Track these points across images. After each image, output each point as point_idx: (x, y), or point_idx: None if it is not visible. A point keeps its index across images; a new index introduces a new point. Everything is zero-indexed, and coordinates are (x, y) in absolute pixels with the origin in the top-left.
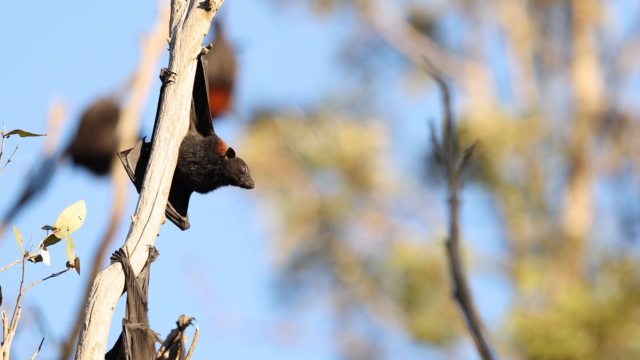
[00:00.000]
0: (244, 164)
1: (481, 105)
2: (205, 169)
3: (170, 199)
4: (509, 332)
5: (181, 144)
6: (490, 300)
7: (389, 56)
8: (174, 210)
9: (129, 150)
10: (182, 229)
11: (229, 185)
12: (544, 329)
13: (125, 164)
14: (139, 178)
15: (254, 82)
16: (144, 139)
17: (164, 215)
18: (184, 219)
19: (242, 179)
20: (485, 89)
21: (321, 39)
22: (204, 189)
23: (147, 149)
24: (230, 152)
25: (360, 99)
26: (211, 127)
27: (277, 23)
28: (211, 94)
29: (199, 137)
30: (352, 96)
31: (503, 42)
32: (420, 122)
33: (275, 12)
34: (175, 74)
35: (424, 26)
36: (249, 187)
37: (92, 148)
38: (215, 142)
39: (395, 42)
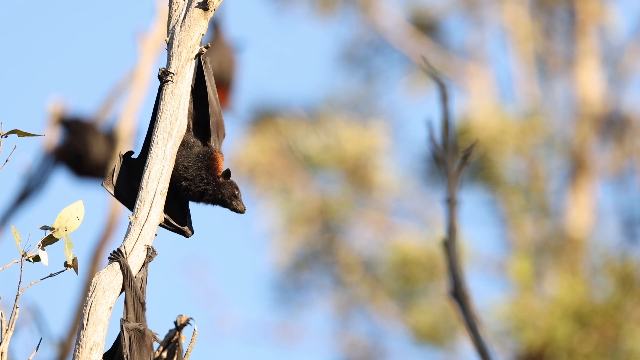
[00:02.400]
0: (237, 188)
1: (483, 105)
2: (198, 187)
3: (167, 211)
4: (497, 320)
5: (177, 151)
6: (490, 301)
7: (391, 57)
8: (173, 222)
9: (111, 175)
10: (187, 237)
11: (218, 206)
12: (533, 317)
13: (112, 194)
14: (129, 198)
15: (256, 82)
16: (120, 154)
17: (162, 215)
18: (183, 228)
19: (234, 203)
20: (488, 90)
21: (323, 39)
22: (192, 200)
23: (131, 158)
24: (227, 174)
25: (362, 99)
26: (209, 135)
27: (280, 23)
28: None
29: (196, 148)
30: (353, 96)
31: (505, 42)
32: (421, 123)
33: (277, 13)
34: (173, 73)
35: (426, 27)
36: (240, 212)
37: (79, 155)
38: (212, 159)
39: (397, 43)
